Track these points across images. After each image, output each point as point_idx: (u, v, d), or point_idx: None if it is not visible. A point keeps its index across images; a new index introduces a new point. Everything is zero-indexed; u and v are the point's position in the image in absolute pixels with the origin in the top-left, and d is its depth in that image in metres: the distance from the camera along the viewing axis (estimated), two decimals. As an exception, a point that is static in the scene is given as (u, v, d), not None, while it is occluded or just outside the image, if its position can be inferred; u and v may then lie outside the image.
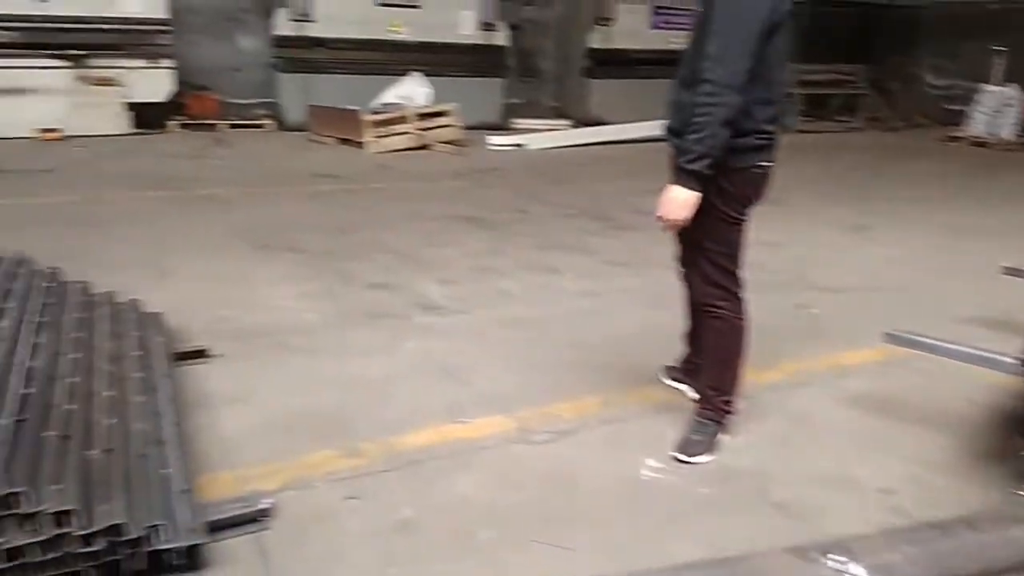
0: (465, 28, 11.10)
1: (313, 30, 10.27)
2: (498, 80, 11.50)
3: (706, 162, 2.30)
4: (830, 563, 0.58)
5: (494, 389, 3.13)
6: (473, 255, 5.04)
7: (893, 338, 2.96)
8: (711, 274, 2.66)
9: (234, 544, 2.09)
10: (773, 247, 5.44)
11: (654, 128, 11.01)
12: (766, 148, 2.47)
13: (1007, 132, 10.89)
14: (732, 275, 2.67)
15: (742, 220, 2.58)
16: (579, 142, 10.04)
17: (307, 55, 10.37)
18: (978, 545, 0.63)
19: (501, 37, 11.47)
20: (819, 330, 3.96)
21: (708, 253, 2.62)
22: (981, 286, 4.47)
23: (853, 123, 12.56)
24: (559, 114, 11.71)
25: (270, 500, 2.24)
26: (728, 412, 2.76)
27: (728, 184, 2.44)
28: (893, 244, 5.69)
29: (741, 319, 2.71)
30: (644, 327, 3.89)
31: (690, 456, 2.65)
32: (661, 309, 4.14)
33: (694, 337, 3.01)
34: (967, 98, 11.47)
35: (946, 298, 4.42)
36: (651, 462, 2.63)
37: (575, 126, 10.80)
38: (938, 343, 2.86)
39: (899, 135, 12.12)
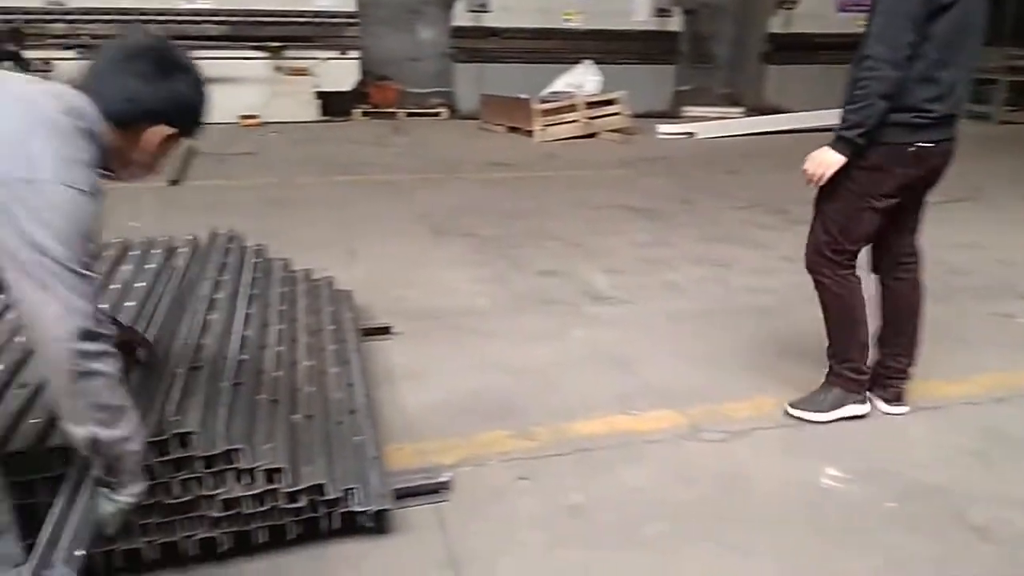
0: (639, 14, 10.97)
1: (489, 20, 10.54)
2: (670, 67, 11.28)
3: (858, 131, 2.42)
4: None
5: (663, 382, 3.11)
6: (639, 245, 5.00)
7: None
8: (820, 240, 2.72)
9: (415, 513, 2.22)
10: (972, 248, 5.02)
11: (834, 116, 10.33)
12: (925, 128, 2.45)
13: None
14: (841, 250, 2.68)
15: (873, 199, 2.56)
16: (753, 131, 9.66)
17: (482, 45, 10.66)
18: None
19: (675, 23, 11.23)
20: (1025, 342, 3.61)
21: (824, 218, 2.69)
22: None
23: (1070, 112, 11.22)
24: (732, 101, 11.32)
25: (449, 474, 2.35)
26: (844, 377, 2.81)
27: (876, 157, 2.48)
28: (1119, 249, 5.07)
29: (843, 292, 2.74)
30: (823, 328, 3.71)
31: (794, 407, 2.84)
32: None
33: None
34: None
35: None
36: (831, 470, 2.51)
37: (749, 114, 10.40)
38: None
39: None
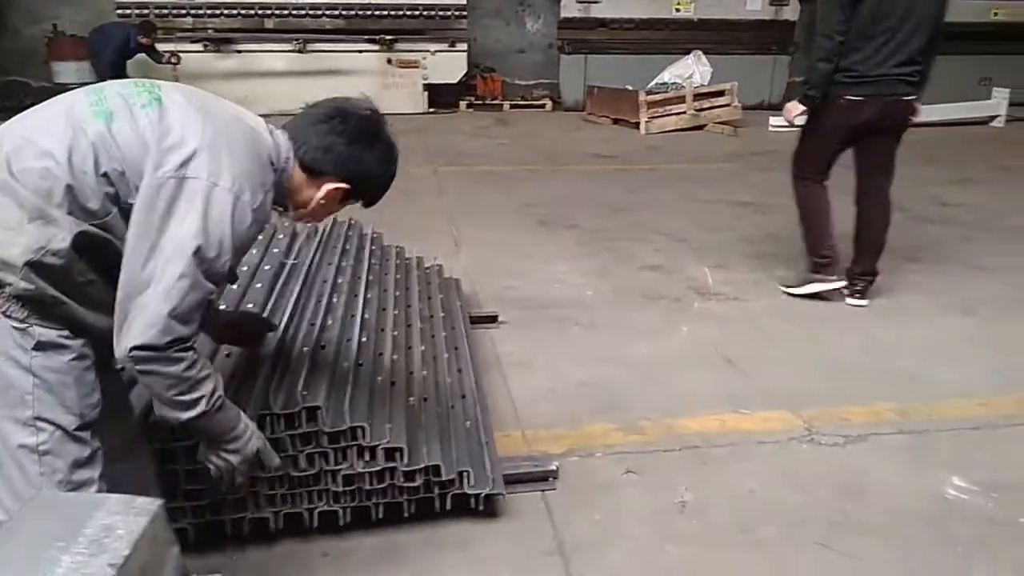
0: (753, 3, 10.65)
1: (598, 11, 10.47)
2: (784, 58, 10.91)
3: (809, 88, 3.60)
4: None
5: (775, 383, 3.03)
6: (746, 241, 4.88)
7: None
8: (796, 155, 3.89)
9: (523, 499, 2.26)
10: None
11: (965, 110, 9.92)
12: (853, 85, 3.49)
13: None
14: (802, 169, 3.85)
15: (821, 136, 3.69)
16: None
17: (589, 36, 10.61)
18: None
19: (791, 11, 10.84)
20: None
21: (801, 141, 3.85)
22: None
23: None
24: (848, 94, 10.83)
25: (557, 462, 2.37)
26: (814, 263, 3.84)
27: (822, 106, 3.59)
28: None
29: (805, 200, 3.86)
30: (945, 334, 3.53)
31: (783, 285, 3.99)
32: (962, 313, 3.76)
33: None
34: None
35: None
36: (957, 480, 2.39)
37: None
38: None
39: None
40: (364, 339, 2.40)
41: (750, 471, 2.45)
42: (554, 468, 2.34)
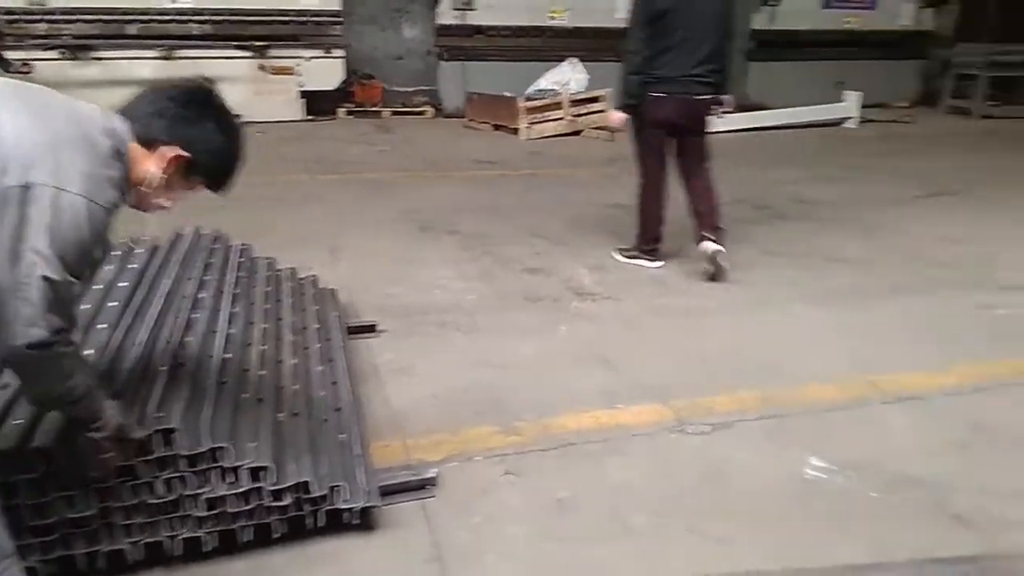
0: (622, 12, 10.98)
1: (474, 18, 10.53)
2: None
3: (625, 97, 4.31)
4: None
5: (648, 377, 3.12)
6: (622, 241, 5.01)
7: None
8: (638, 156, 4.55)
9: (401, 509, 2.23)
10: (955, 242, 5.07)
11: (821, 112, 10.51)
12: (654, 84, 4.17)
13: None
14: (643, 160, 4.52)
15: (651, 130, 4.34)
16: (736, 128, 9.69)
17: (466, 43, 10.66)
18: None
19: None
20: (1005, 333, 3.65)
21: (635, 144, 4.53)
22: None
23: (1050, 106, 11.35)
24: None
25: (435, 470, 2.35)
26: (643, 243, 4.58)
27: (644, 108, 4.25)
28: (1097, 241, 5.13)
29: (642, 192, 4.56)
30: (804, 324, 3.75)
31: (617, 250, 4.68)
32: (822, 303, 3.99)
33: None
34: None
35: None
36: (815, 461, 2.53)
37: (734, 111, 10.42)
38: None
39: (1105, 120, 10.85)
40: (228, 355, 2.31)
41: (624, 464, 2.52)
42: (432, 476, 2.32)
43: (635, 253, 4.58)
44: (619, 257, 4.61)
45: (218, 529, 1.93)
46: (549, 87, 9.54)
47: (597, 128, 9.38)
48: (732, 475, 2.48)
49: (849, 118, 10.18)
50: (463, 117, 10.21)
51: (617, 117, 4.41)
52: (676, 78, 4.14)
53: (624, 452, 2.59)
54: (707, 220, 4.35)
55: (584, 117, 9.46)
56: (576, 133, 9.36)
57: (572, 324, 3.68)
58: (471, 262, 4.58)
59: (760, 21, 11.03)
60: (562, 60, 9.82)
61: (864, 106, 10.32)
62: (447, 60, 10.75)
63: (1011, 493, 2.38)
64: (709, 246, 4.25)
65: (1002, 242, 5.10)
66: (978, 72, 11.03)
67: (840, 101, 10.30)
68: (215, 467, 1.88)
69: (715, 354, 3.37)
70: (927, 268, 4.56)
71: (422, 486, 2.29)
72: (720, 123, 9.68)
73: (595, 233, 5.20)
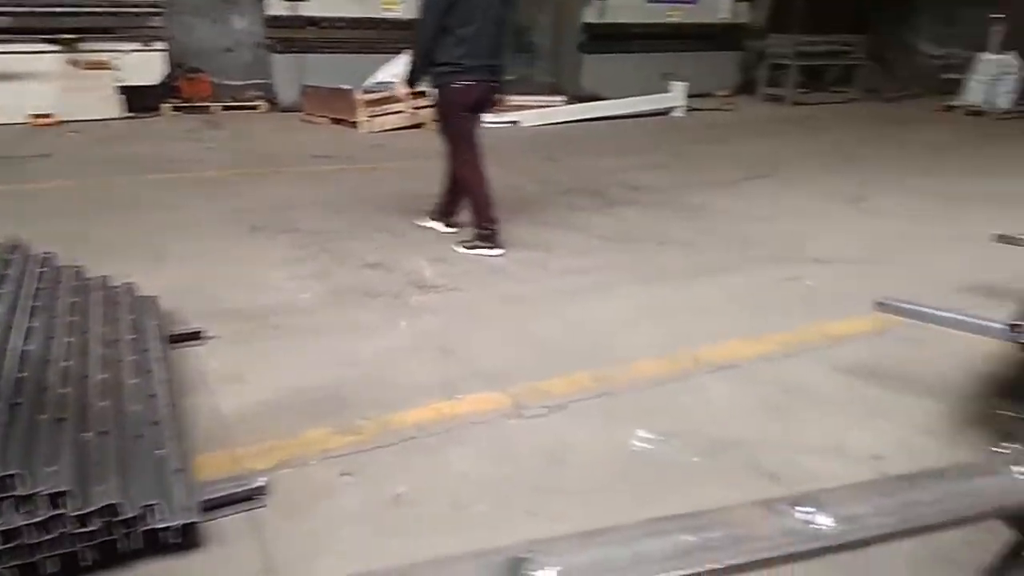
0: (458, 4, 11.00)
1: (306, 9, 10.19)
2: (495, 56, 11.42)
3: (414, 76, 4.58)
4: (798, 514, 0.60)
5: (489, 366, 3.16)
6: (464, 234, 5.04)
7: (884, 306, 2.97)
8: (449, 144, 4.80)
9: (229, 523, 2.12)
10: (767, 221, 5.46)
11: (650, 103, 10.94)
12: (461, 73, 4.38)
13: (1004, 101, 10.82)
14: (460, 146, 4.71)
15: (458, 114, 4.62)
16: (574, 118, 10.00)
17: (300, 35, 10.30)
18: (944, 494, 0.64)
19: (495, 13, 11.37)
20: (812, 301, 3.98)
21: (443, 131, 4.83)
22: (975, 254, 4.46)
23: (850, 94, 12.47)
24: (554, 90, 11.63)
25: (264, 478, 2.26)
26: (483, 227, 4.67)
27: (447, 91, 4.50)
28: (888, 214, 5.69)
29: (469, 177, 4.74)
30: (635, 304, 3.92)
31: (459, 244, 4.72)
32: (651, 284, 4.19)
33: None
34: (964, 67, 11.37)
35: (941, 267, 4.44)
36: (642, 433, 2.65)
37: (570, 102, 10.74)
38: (928, 310, 2.87)
39: (895, 105, 12.04)
40: (23, 375, 2.11)
41: (463, 454, 2.53)
42: (261, 485, 2.23)
43: (476, 243, 4.65)
44: (460, 249, 4.64)
45: (17, 564, 1.76)
46: (388, 80, 9.40)
47: (438, 121, 9.37)
48: (568, 454, 2.55)
49: (677, 107, 10.73)
50: (299, 111, 9.88)
51: (405, 89, 4.78)
52: (477, 67, 4.40)
53: (464, 442, 2.61)
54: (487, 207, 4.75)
55: (425, 110, 9.40)
56: (418, 126, 9.28)
57: (413, 318, 3.65)
58: (308, 260, 4.44)
59: (591, 15, 11.38)
60: (400, 53, 9.70)
61: (690, 96, 10.90)
62: (280, 52, 10.35)
63: (816, 448, 2.60)
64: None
65: (809, 218, 5.56)
66: (789, 62, 11.94)
67: (668, 92, 10.83)
68: (8, 497, 1.72)
69: (552, 338, 3.45)
70: (744, 245, 4.89)
71: (250, 496, 2.20)
72: (559, 114, 10.07)
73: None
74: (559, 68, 12.06)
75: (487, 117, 9.55)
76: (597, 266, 4.47)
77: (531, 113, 10.00)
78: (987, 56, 11.04)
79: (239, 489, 2.18)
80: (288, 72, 10.36)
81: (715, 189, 6.41)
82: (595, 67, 11.50)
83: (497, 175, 7.03)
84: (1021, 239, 3.80)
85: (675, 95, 10.76)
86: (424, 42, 4.39)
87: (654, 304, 3.92)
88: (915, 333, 3.35)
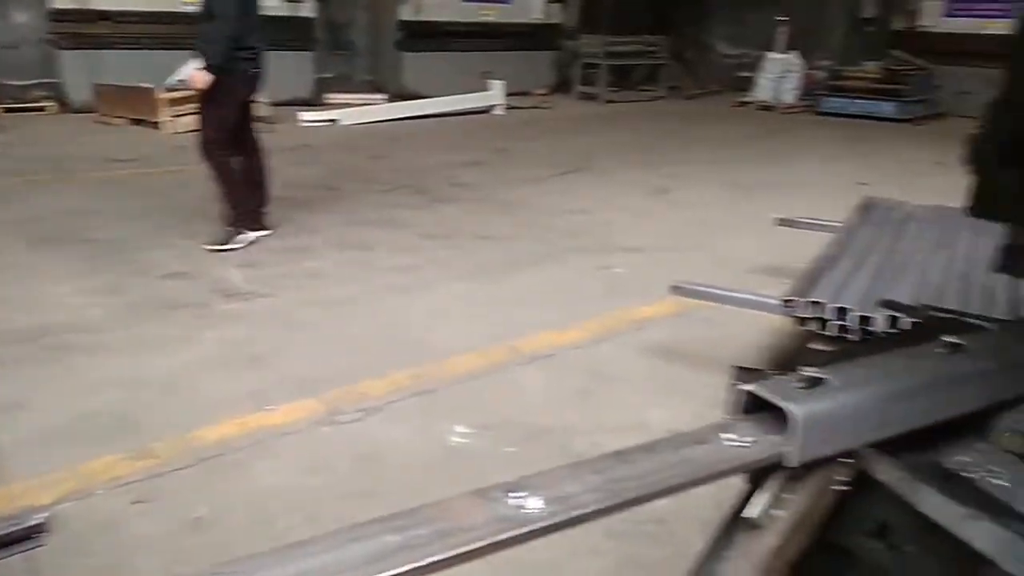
0: (270, 0, 10.57)
1: (97, 2, 9.40)
2: (308, 54, 11.08)
3: (215, 60, 4.23)
4: (510, 500, 0.60)
5: (302, 372, 3.05)
6: (280, 236, 4.85)
7: (678, 290, 3.16)
8: (206, 133, 4.48)
9: (2, 567, 1.90)
10: (581, 213, 5.67)
11: (471, 101, 11.07)
12: (250, 60, 4.36)
13: (789, 96, 11.90)
14: (220, 139, 4.46)
15: (234, 106, 4.46)
16: (395, 116, 9.91)
17: (91, 30, 9.48)
18: (655, 467, 0.67)
19: (308, 8, 11.04)
20: (621, 288, 4.17)
21: (208, 120, 4.53)
22: (763, 237, 4.85)
23: (656, 92, 13.23)
24: (374, 88, 11.48)
25: (43, 514, 2.04)
26: (247, 219, 4.58)
27: (231, 79, 4.31)
28: (689, 204, 6.08)
29: (233, 166, 4.57)
30: (454, 300, 3.93)
31: (211, 244, 4.45)
32: (471, 279, 4.23)
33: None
34: (755, 66, 12.40)
35: (735, 250, 4.79)
36: (460, 428, 2.66)
37: (390, 100, 10.64)
38: (717, 291, 3.09)
39: (696, 102, 12.92)
40: None
41: (272, 467, 2.42)
42: (40, 521, 2.01)
43: (240, 230, 4.54)
44: (227, 246, 4.45)
45: None
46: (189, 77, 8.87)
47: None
48: (385, 457, 2.51)
49: (496, 105, 10.91)
50: (94, 112, 9.11)
51: (203, 77, 4.27)
52: (260, 54, 4.44)
53: (273, 455, 2.50)
54: (264, 193, 4.77)
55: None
56: (230, 126, 8.84)
57: (219, 328, 3.46)
58: (100, 273, 4.09)
59: (407, 13, 11.33)
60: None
61: (509, 94, 11.13)
62: (69, 49, 9.47)
63: (621, 428, 2.71)
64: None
65: (620, 209, 5.83)
66: (600, 61, 12.48)
67: (487, 90, 11.00)
68: None
69: (370, 339, 3.39)
70: (560, 238, 5.04)
71: (27, 536, 1.97)
72: (380, 113, 9.94)
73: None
74: (379, 66, 11.91)
75: (305, 115, 9.46)
76: (419, 264, 4.45)
77: (351, 111, 9.82)
78: (773, 55, 12.08)
79: (13, 529, 1.95)
80: (79, 70, 9.51)
81: (533, 184, 6.57)
82: (415, 65, 11.47)
83: (316, 175, 6.90)
84: (799, 222, 4.17)
85: (494, 93, 10.94)
86: (232, 24, 4.18)
87: (473, 299, 3.95)
88: (713, 314, 3.60)
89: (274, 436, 2.60)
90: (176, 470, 2.38)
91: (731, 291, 3.06)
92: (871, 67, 11.14)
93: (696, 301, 3.67)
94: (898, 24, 11.98)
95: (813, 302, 2.55)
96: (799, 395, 0.77)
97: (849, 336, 2.48)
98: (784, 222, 4.23)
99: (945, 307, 1.59)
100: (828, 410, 0.76)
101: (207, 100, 4.39)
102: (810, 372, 0.79)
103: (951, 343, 0.84)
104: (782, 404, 0.75)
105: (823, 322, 2.55)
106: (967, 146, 0.87)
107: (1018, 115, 0.84)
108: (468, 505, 0.60)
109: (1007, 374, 0.83)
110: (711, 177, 6.99)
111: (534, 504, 0.62)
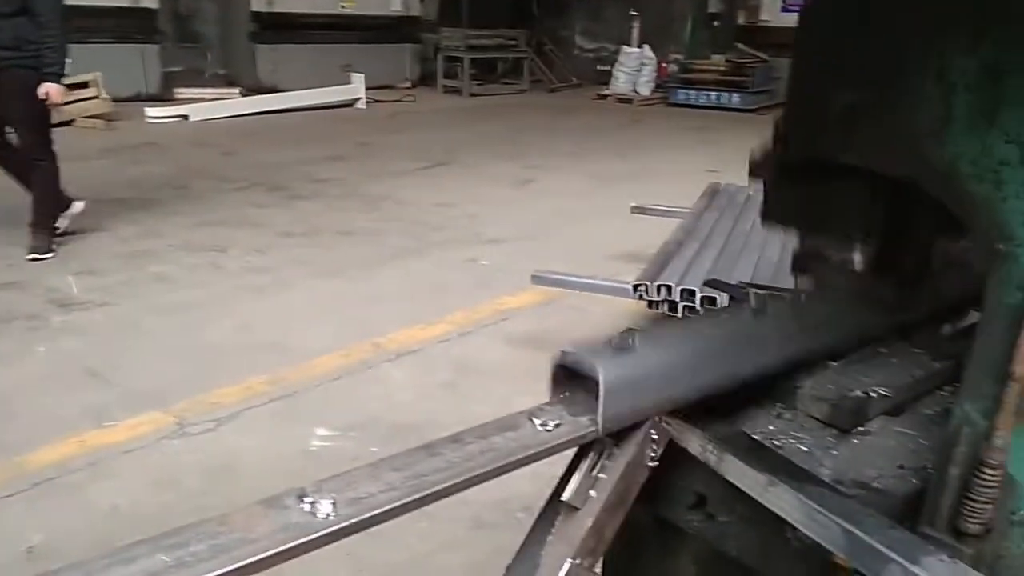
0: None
1: None
2: (153, 47, 10.44)
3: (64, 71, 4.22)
4: (302, 505, 0.58)
5: (147, 384, 2.87)
6: (123, 241, 4.56)
7: (539, 279, 3.21)
8: (43, 139, 4.27)
9: None
10: (448, 207, 5.65)
11: (331, 95, 10.80)
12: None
13: (645, 89, 12.34)
14: (50, 141, 4.32)
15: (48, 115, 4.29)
16: (250, 111, 9.52)
17: None
18: (461, 458, 0.67)
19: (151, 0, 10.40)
20: (487, 280, 4.18)
21: (43, 125, 4.29)
22: (621, 225, 5.00)
23: (519, 85, 13.38)
24: (228, 82, 10.98)
25: None
26: (52, 227, 4.34)
27: (34, 83, 4.04)
28: (552, 194, 6.18)
29: (53, 177, 4.37)
30: (315, 299, 3.83)
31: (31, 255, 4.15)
32: (334, 277, 4.12)
33: None
34: (612, 59, 12.77)
35: (595, 238, 4.91)
36: (321, 431, 2.59)
37: (245, 94, 10.21)
38: (575, 279, 3.16)
39: (558, 95, 13.17)
40: None
41: (114, 487, 2.26)
42: None
43: (50, 241, 4.29)
44: (48, 255, 4.19)
45: None
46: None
47: (91, 117, 8.38)
48: (239, 467, 2.40)
49: (358, 99, 10.70)
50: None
51: (60, 91, 4.16)
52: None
53: (115, 474, 2.34)
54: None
55: (74, 105, 8.33)
56: (67, 124, 8.18)
57: (55, 341, 3.21)
58: (-87, 288, 3.70)
59: (258, 3, 10.90)
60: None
61: (371, 87, 10.93)
62: None
63: (485, 418, 2.71)
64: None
65: (484, 202, 5.85)
66: (461, 55, 12.48)
67: (349, 83, 10.76)
68: None
69: (224, 345, 3.24)
70: (425, 232, 5.01)
71: None
72: (234, 108, 9.51)
73: (88, 233, 4.62)
74: (231, 59, 11.40)
75: (153, 112, 8.91)
76: (277, 264, 4.29)
77: (203, 107, 9.35)
78: (629, 49, 12.49)
79: None
80: None
81: (397, 178, 6.49)
82: (271, 58, 11.07)
83: (164, 174, 6.51)
84: (652, 209, 4.34)
85: (355, 87, 10.73)
86: (64, 25, 4.07)
87: (336, 297, 3.85)
88: (578, 301, 3.67)
89: (116, 454, 2.43)
90: (6, 496, 2.18)
91: (588, 278, 3.14)
92: (718, 60, 11.72)
93: (561, 290, 3.74)
94: (741, 19, 12.67)
95: (660, 285, 2.65)
96: (605, 359, 0.78)
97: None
98: (637, 209, 4.38)
99: (767, 284, 1.68)
100: (632, 373, 0.78)
101: (32, 106, 4.06)
102: (617, 340, 0.80)
103: (753, 308, 0.88)
104: (588, 370, 0.76)
105: (672, 304, 2.65)
106: (751, 159, 0.92)
107: (796, 121, 0.89)
108: (252, 515, 0.57)
109: (805, 336, 0.88)
110: (573, 168, 7.15)
111: (325, 508, 0.59)
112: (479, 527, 2.10)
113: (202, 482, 2.30)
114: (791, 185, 0.92)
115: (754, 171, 0.92)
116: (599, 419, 0.76)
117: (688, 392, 0.79)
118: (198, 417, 2.64)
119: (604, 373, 0.77)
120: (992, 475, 0.68)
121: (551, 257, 4.28)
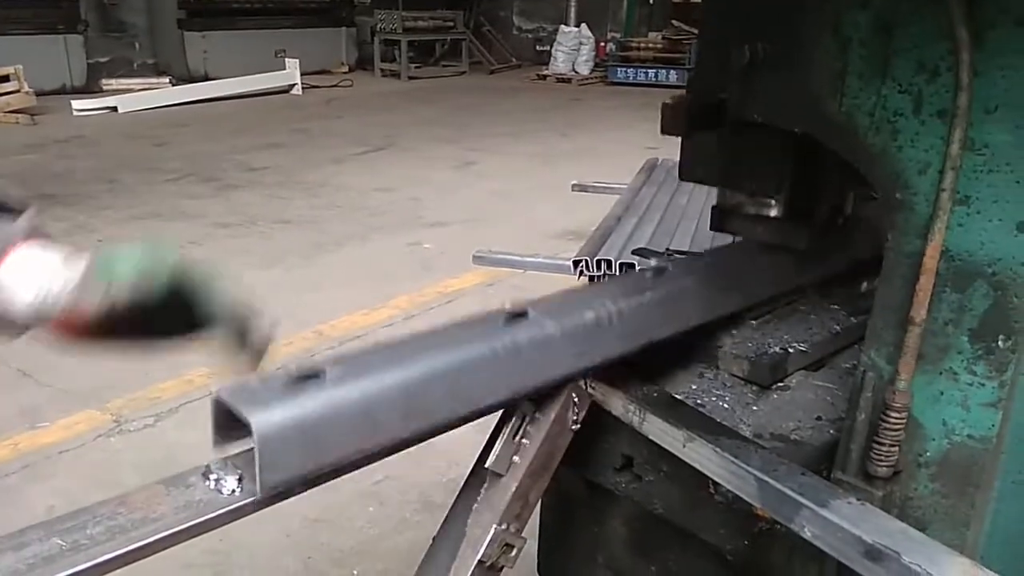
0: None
1: None
2: (77, 37, 10.05)
3: None
4: (207, 483, 0.57)
5: (81, 383, 2.78)
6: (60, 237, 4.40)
7: (480, 259, 3.19)
8: None
9: None
10: (387, 191, 5.59)
11: (264, 81, 10.55)
12: None
13: (584, 68, 12.37)
14: None
15: None
16: (181, 100, 9.26)
17: None
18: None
19: (67, -12, 10.00)
20: (430, 263, 4.17)
21: None
22: (563, 204, 5.00)
23: (459, 67, 13.27)
24: (157, 71, 10.66)
25: None
26: None
27: None
28: (493, 176, 6.17)
29: None
30: (255, 287, 3.74)
31: None
32: (272, 267, 4.06)
33: None
34: (551, 39, 12.76)
35: (538, 217, 4.93)
36: (263, 423, 2.54)
37: (175, 84, 9.92)
38: (515, 257, 3.15)
39: (498, 76, 13.11)
40: None
41: (50, 488, 2.20)
42: None
43: None
44: None
45: None
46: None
47: (13, 112, 8.04)
48: (180, 461, 2.32)
49: (294, 85, 10.49)
50: None
51: None
52: None
53: (51, 475, 2.27)
54: None
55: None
56: (-11, 121, 7.86)
57: (-20, 344, 3.08)
58: None
59: (185, -10, 10.60)
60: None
61: (307, 73, 10.72)
62: None
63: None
64: None
65: (426, 185, 5.80)
66: (398, 37, 12.31)
67: (283, 69, 10.53)
68: None
69: (159, 340, 3.16)
70: (366, 218, 4.95)
71: None
72: (164, 97, 9.23)
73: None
74: (160, 48, 11.05)
75: (80, 104, 8.60)
76: (213, 255, 4.18)
77: (131, 97, 9.06)
78: (567, 29, 12.48)
79: None
80: None
81: (336, 164, 6.39)
82: (201, 45, 10.76)
83: (92, 167, 6.29)
84: (593, 186, 4.35)
85: (290, 73, 10.51)
86: None
87: (274, 286, 3.77)
88: (522, 281, 3.68)
89: (50, 455, 2.36)
90: (-71, 508, 2.10)
91: (528, 256, 3.14)
92: (654, 38, 11.81)
93: (505, 270, 3.74)
94: (676, -5, 12.77)
95: (600, 260, 2.66)
96: (265, 405, 0.64)
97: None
98: (578, 187, 4.39)
99: (692, 250, 1.70)
100: (311, 417, 0.67)
101: None
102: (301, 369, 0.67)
103: (656, 268, 0.89)
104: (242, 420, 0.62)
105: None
106: (662, 113, 0.92)
107: (704, 77, 0.90)
108: (153, 495, 0.56)
109: (712, 292, 0.89)
110: (514, 149, 7.13)
111: (231, 484, 0.59)
112: (427, 509, 2.10)
113: (143, 478, 2.22)
114: (704, 140, 0.93)
115: (666, 128, 0.93)
116: (257, 485, 0.63)
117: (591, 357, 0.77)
118: (136, 414, 2.58)
119: (259, 425, 0.61)
120: (897, 418, 0.70)
121: (494, 238, 4.27)
